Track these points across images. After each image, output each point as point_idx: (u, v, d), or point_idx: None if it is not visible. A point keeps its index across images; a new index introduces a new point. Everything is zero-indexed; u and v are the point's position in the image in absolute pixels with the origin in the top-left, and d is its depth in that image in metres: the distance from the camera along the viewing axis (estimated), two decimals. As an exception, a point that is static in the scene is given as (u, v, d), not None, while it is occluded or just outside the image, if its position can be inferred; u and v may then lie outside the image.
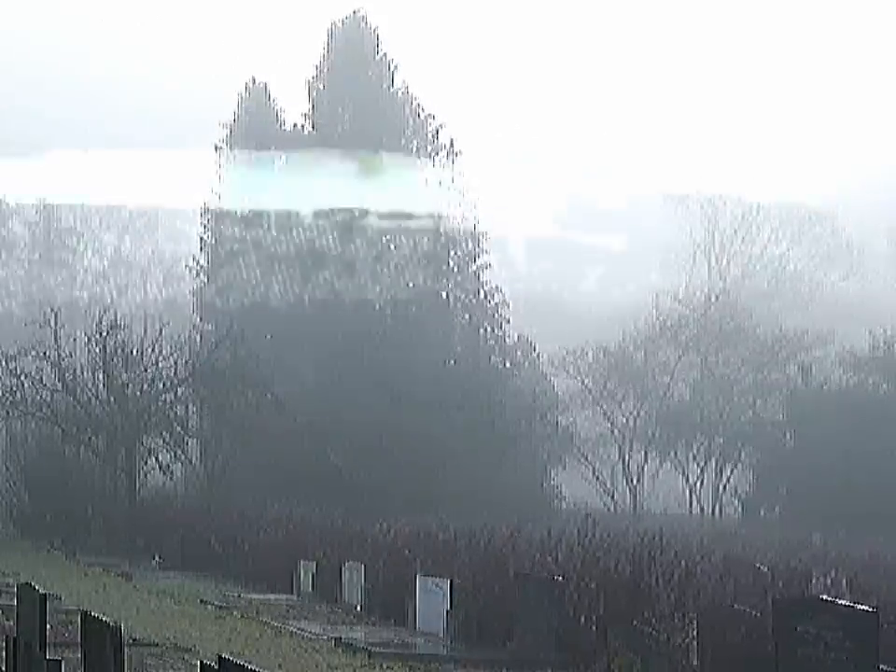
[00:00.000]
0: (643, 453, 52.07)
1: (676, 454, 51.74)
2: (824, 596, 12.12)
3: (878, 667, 11.28)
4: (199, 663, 6.79)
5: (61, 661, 10.65)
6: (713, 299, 58.03)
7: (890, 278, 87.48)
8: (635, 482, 51.50)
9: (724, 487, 50.86)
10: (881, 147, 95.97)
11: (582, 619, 15.71)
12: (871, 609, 11.70)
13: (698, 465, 51.61)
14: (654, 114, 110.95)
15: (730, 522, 46.82)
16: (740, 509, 48.63)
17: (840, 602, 12.00)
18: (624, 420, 52.41)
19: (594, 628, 15.47)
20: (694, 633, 14.74)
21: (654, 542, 15.65)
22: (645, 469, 52.14)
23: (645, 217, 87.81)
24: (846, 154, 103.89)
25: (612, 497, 51.78)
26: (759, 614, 13.35)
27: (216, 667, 6.33)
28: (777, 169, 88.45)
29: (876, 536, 35.29)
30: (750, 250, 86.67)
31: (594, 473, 52.13)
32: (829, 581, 17.89)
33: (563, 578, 16.33)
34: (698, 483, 51.53)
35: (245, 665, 6.06)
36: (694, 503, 51.30)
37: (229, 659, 6.24)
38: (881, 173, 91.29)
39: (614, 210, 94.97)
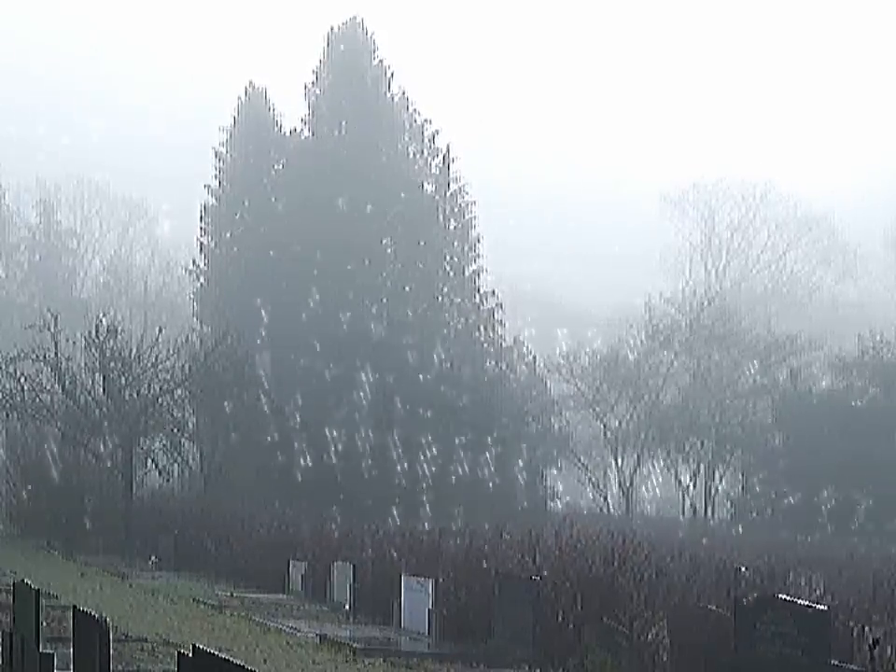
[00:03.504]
0: (636, 455, 52.59)
1: (669, 456, 52.28)
2: (782, 596, 12.71)
3: (829, 662, 11.90)
4: (176, 653, 7.39)
5: (53, 654, 11.22)
6: (706, 303, 58.53)
7: (886, 281, 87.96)
8: (627, 484, 52.04)
9: (716, 489, 51.41)
10: (877, 150, 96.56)
11: (558, 617, 16.31)
12: (823, 609, 12.32)
13: (689, 467, 52.14)
14: (652, 116, 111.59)
15: (721, 523, 47.40)
16: (730, 510, 49.17)
17: (796, 601, 12.61)
18: (617, 423, 52.97)
19: (569, 626, 16.06)
20: (665, 630, 15.37)
21: (627, 544, 16.26)
22: (637, 471, 52.67)
23: (642, 220, 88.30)
24: (843, 157, 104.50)
25: (605, 498, 52.34)
26: (725, 612, 13.93)
27: (191, 657, 6.94)
28: (774, 171, 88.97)
29: (863, 537, 35.93)
30: (748, 253, 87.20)
31: (587, 475, 52.71)
32: (803, 581, 18.52)
33: (540, 578, 16.93)
34: (690, 486, 52.06)
35: (217, 654, 6.66)
36: (687, 505, 51.84)
37: (203, 649, 6.84)
38: (878, 176, 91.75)
39: (611, 212, 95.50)
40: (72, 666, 10.53)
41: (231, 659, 6.65)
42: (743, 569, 19.84)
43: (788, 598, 12.67)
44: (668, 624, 15.11)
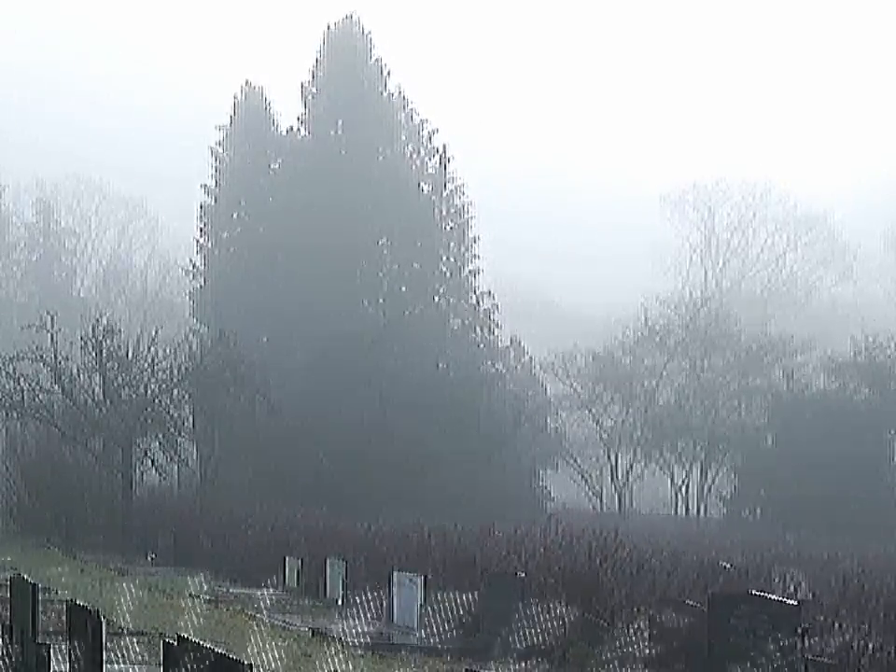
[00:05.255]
0: (630, 455, 53.04)
1: (663, 456, 52.71)
2: (755, 591, 13.15)
3: (799, 655, 12.35)
4: (162, 642, 7.82)
5: (50, 645, 11.65)
6: (701, 304, 58.98)
7: (885, 282, 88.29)
8: (621, 483, 52.51)
9: (709, 489, 51.87)
10: (877, 151, 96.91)
11: (543, 612, 16.76)
12: (794, 603, 12.77)
13: (683, 467, 52.60)
14: (651, 116, 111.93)
15: (713, 522, 47.82)
16: (723, 510, 49.60)
17: (768, 597, 13.04)
18: (612, 423, 53.40)
19: (553, 621, 16.50)
20: (645, 624, 15.80)
21: (610, 541, 16.70)
22: (632, 470, 53.13)
23: (641, 220, 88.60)
24: (842, 158, 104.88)
25: (600, 497, 52.78)
26: (702, 607, 14.36)
27: (176, 646, 7.38)
28: (774, 172, 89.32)
29: (853, 535, 36.33)
30: (746, 253, 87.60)
31: (581, 475, 53.16)
32: (780, 578, 18.98)
33: (525, 574, 17.38)
34: (684, 485, 52.51)
35: (199, 643, 7.09)
36: (680, 504, 52.30)
37: (186, 638, 7.28)
38: (878, 177, 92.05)
39: (611, 212, 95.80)
40: (67, 657, 10.97)
41: (211, 647, 7.07)
42: (727, 566, 20.32)
43: (760, 594, 13.10)
44: (649, 618, 15.54)
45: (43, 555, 31.09)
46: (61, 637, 13.33)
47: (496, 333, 50.02)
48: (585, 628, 15.73)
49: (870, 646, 12.59)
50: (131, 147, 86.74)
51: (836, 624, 13.38)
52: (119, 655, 14.78)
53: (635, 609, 15.71)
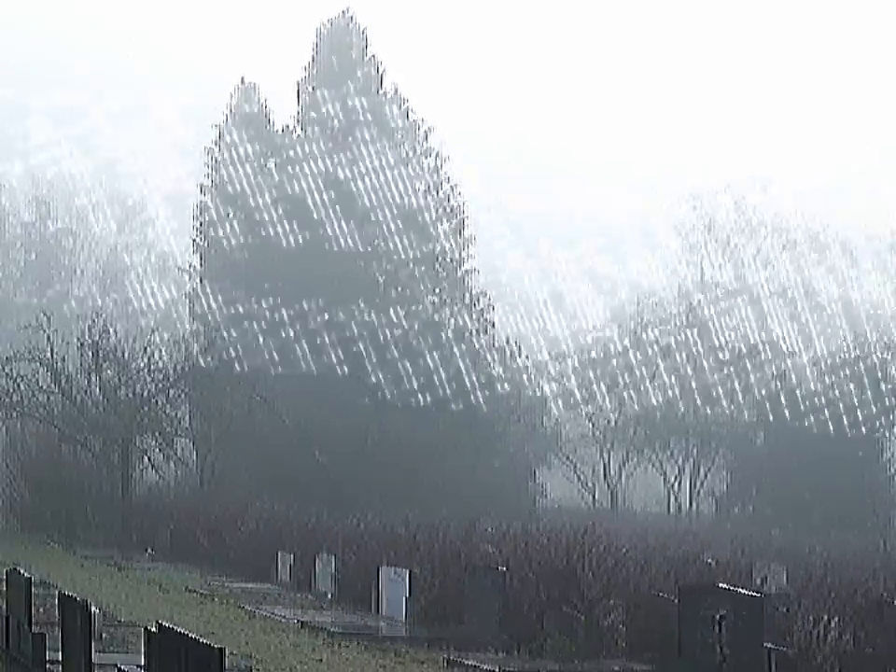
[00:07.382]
0: (623, 453, 53.50)
1: (656, 454, 53.20)
2: (722, 584, 13.68)
3: (762, 644, 12.90)
4: (143, 629, 8.34)
5: (45, 634, 12.19)
6: (695, 303, 59.38)
7: (884, 282, 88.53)
8: (614, 481, 52.99)
9: (700, 487, 52.39)
10: (876, 151, 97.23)
11: (523, 605, 17.31)
12: (758, 595, 13.31)
13: (675, 465, 53.10)
14: (650, 115, 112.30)
15: (704, 519, 48.34)
16: (715, 507, 50.13)
17: (733, 589, 13.57)
18: (605, 421, 53.85)
19: (532, 613, 17.05)
20: (622, 616, 16.34)
21: (587, 537, 17.24)
22: (624, 468, 53.59)
23: (639, 218, 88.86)
24: (841, 158, 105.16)
25: (593, 495, 53.28)
26: (674, 599, 14.88)
27: (157, 633, 7.91)
28: (773, 170, 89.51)
29: (841, 533, 36.88)
30: (744, 251, 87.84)
31: (575, 473, 53.65)
32: (766, 572, 19.59)
33: (507, 568, 17.95)
34: (676, 483, 53.01)
35: (179, 630, 7.61)
36: (673, 502, 52.80)
37: (167, 626, 7.81)
38: (877, 177, 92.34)
39: (608, 210, 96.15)
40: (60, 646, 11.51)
41: (190, 634, 7.60)
42: (709, 561, 20.86)
43: (727, 586, 13.63)
44: (625, 611, 16.08)
45: (44, 551, 31.61)
46: (56, 628, 13.89)
47: (490, 333, 50.39)
48: (563, 620, 16.27)
49: (829, 636, 13.13)
50: (127, 144, 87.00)
51: (801, 616, 13.91)
52: (115, 644, 15.32)
53: (611, 602, 16.24)
